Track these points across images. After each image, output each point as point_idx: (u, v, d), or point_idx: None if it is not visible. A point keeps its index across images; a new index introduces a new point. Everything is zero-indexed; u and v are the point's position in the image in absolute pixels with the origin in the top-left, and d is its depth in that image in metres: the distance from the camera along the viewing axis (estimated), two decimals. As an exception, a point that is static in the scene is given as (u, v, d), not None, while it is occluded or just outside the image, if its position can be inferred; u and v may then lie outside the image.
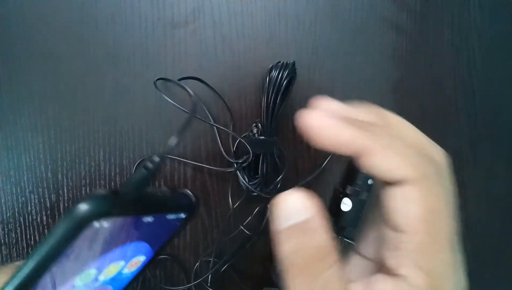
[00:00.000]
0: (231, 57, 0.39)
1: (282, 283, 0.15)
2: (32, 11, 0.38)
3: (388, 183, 0.15)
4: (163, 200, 0.20)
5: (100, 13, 0.38)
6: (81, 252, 0.16)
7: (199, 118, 0.37)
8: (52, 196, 0.39)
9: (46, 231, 0.39)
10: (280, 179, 0.38)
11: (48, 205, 0.39)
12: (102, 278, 0.20)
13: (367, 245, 0.19)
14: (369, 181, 0.38)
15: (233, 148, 0.39)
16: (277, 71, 0.35)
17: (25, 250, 0.39)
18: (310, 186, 0.40)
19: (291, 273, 0.15)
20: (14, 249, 0.39)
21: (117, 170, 0.39)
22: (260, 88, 0.38)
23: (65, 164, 0.39)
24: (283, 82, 0.35)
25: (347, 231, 0.40)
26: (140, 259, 0.22)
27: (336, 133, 0.15)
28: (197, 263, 0.40)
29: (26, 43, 0.38)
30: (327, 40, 0.39)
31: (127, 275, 0.22)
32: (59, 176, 0.39)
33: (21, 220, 0.39)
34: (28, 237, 0.39)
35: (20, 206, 0.39)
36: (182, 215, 0.21)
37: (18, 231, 0.39)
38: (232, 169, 0.38)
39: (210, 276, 0.39)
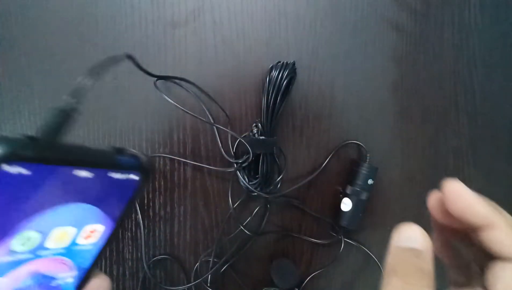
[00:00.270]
0: (231, 57, 0.39)
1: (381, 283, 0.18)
2: (32, 11, 0.38)
3: (498, 258, 0.18)
4: (97, 153, 0.18)
5: (100, 13, 0.38)
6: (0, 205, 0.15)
7: (199, 118, 0.37)
8: (52, 196, 0.39)
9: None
10: (280, 179, 0.38)
11: (48, 205, 0.39)
12: (51, 245, 0.18)
13: None
14: (369, 181, 0.38)
15: (232, 149, 0.39)
16: (277, 71, 0.35)
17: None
18: (310, 186, 0.40)
19: (391, 274, 0.18)
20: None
21: (117, 170, 0.39)
22: (260, 88, 0.38)
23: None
24: (283, 82, 0.35)
25: (347, 230, 0.40)
26: (97, 228, 0.20)
27: (473, 204, 0.19)
28: (197, 263, 0.40)
29: (26, 43, 0.38)
30: (327, 40, 0.39)
31: (87, 248, 0.21)
32: (59, 176, 0.39)
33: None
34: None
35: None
36: (134, 177, 0.20)
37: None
38: (232, 169, 0.38)
39: (210, 276, 0.39)
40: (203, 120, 0.37)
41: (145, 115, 0.39)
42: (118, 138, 0.39)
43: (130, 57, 0.22)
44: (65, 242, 0.19)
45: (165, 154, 0.39)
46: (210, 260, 0.39)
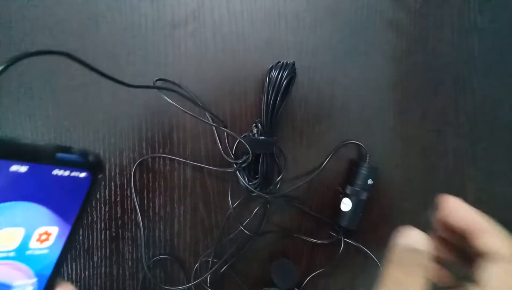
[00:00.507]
0: (231, 57, 0.39)
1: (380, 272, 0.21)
2: (32, 11, 0.38)
3: (490, 258, 0.21)
4: (35, 148, 0.17)
5: (100, 13, 0.38)
6: None
7: (199, 119, 0.37)
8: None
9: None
10: (280, 179, 0.38)
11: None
12: None
13: None
14: (369, 181, 0.38)
15: (232, 149, 0.39)
16: (277, 71, 0.35)
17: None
18: (310, 186, 0.40)
19: (391, 267, 0.21)
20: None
21: (117, 170, 0.39)
22: (260, 88, 0.38)
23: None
24: (283, 82, 0.35)
25: (346, 230, 0.40)
26: (51, 231, 0.20)
27: (468, 213, 0.23)
28: (197, 263, 0.40)
29: (26, 43, 0.38)
30: (327, 40, 0.39)
31: (44, 252, 0.20)
32: (59, 176, 0.39)
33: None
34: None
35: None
36: (83, 175, 0.19)
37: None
38: (232, 169, 0.38)
39: (209, 276, 0.39)
40: (203, 120, 0.37)
41: (145, 115, 0.39)
42: (118, 138, 0.39)
43: (68, 55, 0.20)
44: (14, 244, 0.18)
45: (165, 154, 0.39)
46: (209, 260, 0.39)
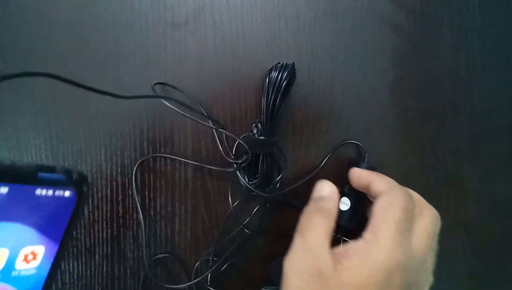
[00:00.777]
0: (231, 58, 0.39)
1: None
2: (32, 11, 0.38)
3: (376, 197, 0.30)
4: (15, 169, 0.17)
5: (100, 13, 0.38)
6: None
7: (199, 122, 0.37)
8: (54, 195, 0.39)
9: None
10: (280, 178, 0.39)
11: (50, 204, 0.39)
12: None
13: None
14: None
15: (232, 150, 0.39)
16: (277, 72, 0.35)
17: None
18: (309, 185, 0.40)
19: (304, 214, 0.31)
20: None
21: (119, 170, 0.39)
22: (260, 88, 0.39)
23: (66, 164, 0.39)
24: (283, 83, 0.35)
25: (345, 230, 0.40)
26: (37, 251, 0.19)
27: (364, 174, 0.34)
28: (198, 262, 0.40)
29: (26, 43, 0.38)
30: (327, 41, 0.39)
31: (31, 273, 0.20)
32: (61, 176, 0.39)
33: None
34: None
35: (22, 205, 0.39)
36: (68, 194, 0.19)
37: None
38: (232, 169, 0.38)
39: (210, 274, 0.39)
40: (202, 123, 0.38)
41: (146, 116, 0.39)
42: (119, 138, 0.39)
43: (52, 76, 0.20)
44: None
45: (166, 154, 0.39)
46: (210, 259, 0.39)
